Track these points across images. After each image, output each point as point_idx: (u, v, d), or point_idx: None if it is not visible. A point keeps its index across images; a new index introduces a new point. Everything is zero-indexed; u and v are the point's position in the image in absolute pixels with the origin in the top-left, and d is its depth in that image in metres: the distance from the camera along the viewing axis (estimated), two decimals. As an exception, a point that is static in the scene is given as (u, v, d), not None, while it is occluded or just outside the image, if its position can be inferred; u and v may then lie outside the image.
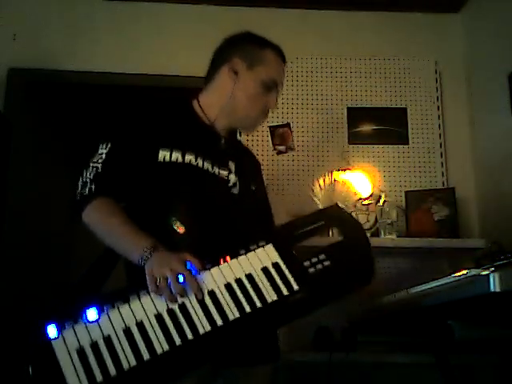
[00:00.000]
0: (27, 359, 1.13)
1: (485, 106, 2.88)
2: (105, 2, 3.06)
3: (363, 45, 3.08)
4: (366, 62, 3.05)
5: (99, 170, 1.35)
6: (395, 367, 2.36)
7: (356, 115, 2.98)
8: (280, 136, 2.94)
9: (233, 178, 1.48)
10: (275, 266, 1.26)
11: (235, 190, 1.48)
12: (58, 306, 1.21)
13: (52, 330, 1.14)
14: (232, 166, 1.50)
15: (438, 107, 3.01)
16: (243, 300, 1.20)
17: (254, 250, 1.29)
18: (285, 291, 1.22)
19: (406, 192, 2.83)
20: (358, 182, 2.77)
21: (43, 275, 3.25)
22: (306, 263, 1.25)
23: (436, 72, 3.04)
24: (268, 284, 1.23)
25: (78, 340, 1.14)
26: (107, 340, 1.14)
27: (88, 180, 1.34)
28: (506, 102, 2.56)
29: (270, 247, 1.29)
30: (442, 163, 2.93)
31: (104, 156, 1.37)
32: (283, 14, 3.09)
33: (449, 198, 2.75)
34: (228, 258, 1.27)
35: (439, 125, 2.99)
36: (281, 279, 1.23)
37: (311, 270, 1.24)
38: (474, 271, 1.02)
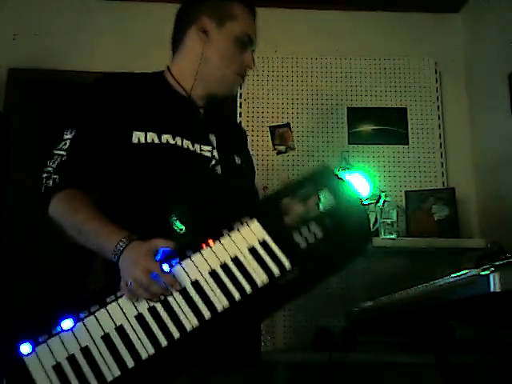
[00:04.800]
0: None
1: (485, 106, 2.88)
2: (105, 1, 3.06)
3: (363, 45, 3.09)
4: (366, 62, 3.04)
5: (64, 159, 1.23)
6: (395, 367, 2.36)
7: (356, 115, 2.98)
8: (280, 136, 2.94)
9: (216, 154, 1.35)
10: (263, 244, 1.14)
11: (219, 169, 1.34)
12: (30, 321, 1.11)
13: (25, 348, 1.04)
14: (213, 139, 1.37)
15: (438, 107, 3.01)
16: (231, 287, 1.09)
17: (237, 228, 1.17)
18: (276, 272, 1.11)
19: (406, 192, 2.84)
20: (358, 182, 2.78)
21: (43, 275, 3.25)
22: (297, 237, 1.14)
23: (436, 72, 3.04)
24: (257, 266, 1.12)
25: (53, 355, 1.04)
26: (85, 351, 1.04)
27: (52, 170, 1.23)
28: (506, 102, 2.56)
29: (254, 223, 1.17)
30: (442, 163, 2.93)
31: (68, 142, 1.24)
32: (283, 14, 3.09)
33: (449, 198, 2.75)
34: (210, 241, 1.15)
35: (439, 125, 2.99)
36: (271, 258, 1.12)
37: (303, 245, 1.13)
38: (473, 271, 1.02)
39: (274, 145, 2.92)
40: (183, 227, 1.23)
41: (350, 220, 1.16)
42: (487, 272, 0.97)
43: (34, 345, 1.04)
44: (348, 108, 2.99)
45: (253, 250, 1.14)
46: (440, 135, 2.97)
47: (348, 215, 1.17)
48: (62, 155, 1.23)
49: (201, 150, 1.33)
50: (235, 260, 1.13)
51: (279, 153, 2.92)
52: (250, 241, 1.15)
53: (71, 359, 1.03)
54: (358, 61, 3.04)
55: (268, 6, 3.06)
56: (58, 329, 1.06)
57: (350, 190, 1.23)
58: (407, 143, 2.95)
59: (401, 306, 1.39)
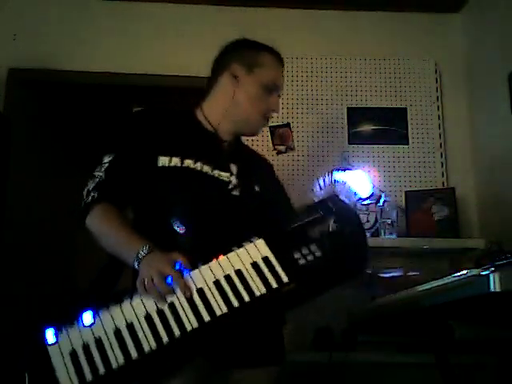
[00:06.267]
0: (24, 365, 1.19)
1: (485, 106, 2.88)
2: (105, 1, 3.06)
3: (363, 45, 3.09)
4: (366, 62, 3.05)
5: (102, 179, 1.40)
6: (395, 367, 2.36)
7: (356, 115, 2.98)
8: (280, 136, 2.94)
9: (234, 180, 1.49)
10: (265, 260, 1.26)
11: (236, 192, 1.48)
12: (58, 311, 1.27)
13: (50, 335, 1.21)
14: (234, 168, 1.51)
15: (438, 107, 3.01)
16: (231, 295, 1.21)
17: (245, 245, 1.30)
18: (274, 284, 1.21)
19: (406, 192, 2.84)
20: (358, 182, 2.78)
21: (43, 275, 3.25)
22: (297, 255, 1.24)
23: (436, 72, 3.04)
24: (257, 278, 1.23)
25: (71, 343, 1.19)
26: (98, 341, 1.19)
27: (91, 188, 1.40)
28: (506, 102, 2.56)
29: (260, 242, 1.30)
30: (442, 163, 2.93)
31: (107, 165, 1.42)
32: (283, 14, 3.09)
33: (449, 198, 2.75)
34: (221, 256, 1.29)
35: (439, 125, 2.99)
36: (270, 273, 1.23)
37: (302, 261, 1.23)
38: (473, 271, 1.02)
39: (274, 145, 2.92)
40: (184, 227, 1.37)
41: (349, 244, 1.27)
42: (487, 272, 0.97)
43: (57, 332, 1.21)
44: (348, 108, 2.99)
45: (255, 265, 1.26)
46: (440, 135, 2.97)
47: (348, 240, 1.27)
48: (101, 176, 1.41)
49: (219, 175, 1.48)
50: (238, 272, 1.25)
51: (279, 153, 2.92)
52: (254, 257, 1.28)
53: (85, 347, 1.18)
54: (358, 61, 3.04)
55: (268, 6, 3.07)
56: (79, 320, 1.22)
57: (354, 217, 1.35)
58: (407, 143, 2.96)
59: (401, 306, 1.39)
